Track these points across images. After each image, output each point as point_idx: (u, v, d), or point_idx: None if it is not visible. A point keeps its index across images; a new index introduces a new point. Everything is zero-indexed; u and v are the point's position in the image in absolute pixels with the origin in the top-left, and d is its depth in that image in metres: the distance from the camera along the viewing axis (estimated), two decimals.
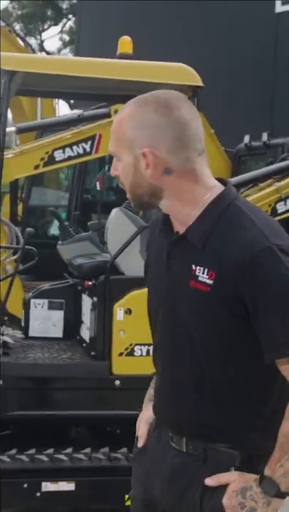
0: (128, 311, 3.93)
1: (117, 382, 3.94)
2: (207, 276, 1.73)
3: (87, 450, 3.86)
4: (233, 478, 1.77)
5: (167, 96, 1.80)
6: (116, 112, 7.31)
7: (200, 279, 1.74)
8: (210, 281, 1.73)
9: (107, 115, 7.31)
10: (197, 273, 1.75)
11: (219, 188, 1.82)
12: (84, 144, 6.99)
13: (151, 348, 3.90)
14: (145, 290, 4.08)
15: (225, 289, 1.71)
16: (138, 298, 3.93)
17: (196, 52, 11.59)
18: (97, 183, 5.33)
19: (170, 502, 1.90)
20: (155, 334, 1.95)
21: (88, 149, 7.09)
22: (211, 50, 13.09)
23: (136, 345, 3.94)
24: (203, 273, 1.74)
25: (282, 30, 12.68)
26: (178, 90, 4.22)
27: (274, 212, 5.42)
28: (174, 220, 1.84)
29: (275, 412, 1.76)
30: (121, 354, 3.95)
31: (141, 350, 3.95)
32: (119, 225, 4.12)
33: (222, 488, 1.77)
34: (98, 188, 5.24)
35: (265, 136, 7.52)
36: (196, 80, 4.01)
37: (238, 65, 12.62)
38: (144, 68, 4.04)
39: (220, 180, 1.86)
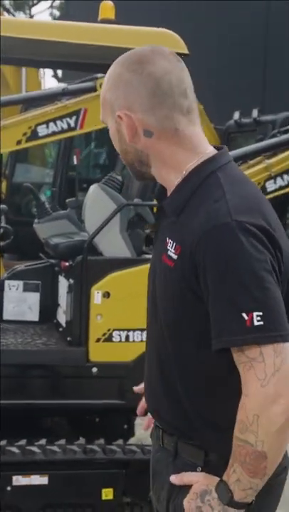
0: (106, 294, 3.70)
1: (94, 370, 3.72)
2: (174, 251, 1.61)
3: (62, 442, 3.63)
4: (196, 479, 1.65)
5: (142, 51, 1.67)
6: (102, 85, 7.06)
7: (169, 253, 1.63)
8: (175, 256, 1.60)
9: (93, 89, 7.04)
10: (168, 247, 1.63)
11: (209, 154, 1.67)
12: (68, 119, 6.75)
13: (130, 333, 3.76)
14: (125, 272, 3.86)
15: (185, 265, 1.58)
16: (117, 280, 3.72)
17: (187, 27, 11.30)
18: (74, 157, 5.07)
19: (156, 502, 1.82)
20: (147, 313, 1.84)
21: (73, 124, 6.85)
22: (203, 26, 12.79)
23: (114, 330, 3.72)
24: (172, 247, 1.62)
25: (273, 6, 12.42)
26: None
27: (263, 190, 5.20)
28: (167, 189, 1.71)
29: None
30: (98, 340, 3.73)
31: (120, 335, 3.72)
32: (97, 202, 3.87)
33: (187, 488, 1.66)
34: (75, 162, 4.98)
35: (255, 113, 7.31)
36: (181, 47, 3.73)
37: (229, 42, 12.34)
38: (122, 33, 3.75)
39: (218, 148, 1.71)
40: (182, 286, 1.59)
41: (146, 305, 1.80)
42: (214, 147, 1.71)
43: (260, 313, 1.49)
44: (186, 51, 3.73)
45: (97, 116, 7.10)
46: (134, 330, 3.71)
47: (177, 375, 1.67)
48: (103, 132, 8.78)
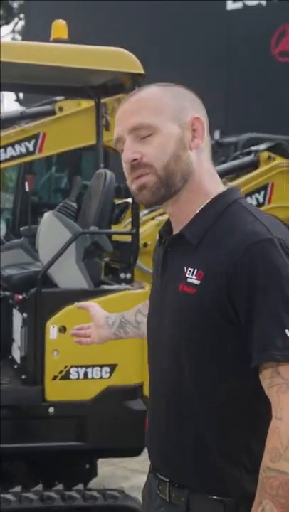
0: (62, 329, 3.48)
1: (51, 410, 3.48)
2: (195, 277, 1.55)
3: (17, 489, 3.38)
4: None
5: None
6: (60, 109, 6.89)
7: (188, 281, 1.56)
8: (197, 282, 1.54)
9: (52, 112, 6.87)
10: (187, 275, 1.57)
11: (225, 188, 1.69)
12: (27, 143, 6.59)
13: (89, 370, 3.53)
14: None
15: (214, 286, 1.51)
16: (73, 313, 3.46)
17: (148, 48, 11.23)
18: (26, 184, 4.84)
19: None
20: (147, 355, 1.75)
21: (31, 148, 6.68)
22: (164, 47, 12.74)
23: (72, 367, 3.50)
24: (192, 274, 1.56)
25: (234, 28, 12.43)
26: (116, 78, 3.81)
27: None
28: (175, 223, 1.66)
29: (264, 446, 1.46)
30: (55, 378, 3.50)
31: (77, 372, 3.50)
32: (51, 230, 3.65)
33: None
34: (27, 188, 4.74)
35: (217, 135, 7.21)
36: (137, 67, 3.56)
37: (191, 63, 12.29)
38: (76, 53, 3.57)
39: None
40: (208, 310, 1.52)
41: (149, 342, 1.72)
42: None
43: None
44: (141, 71, 3.57)
45: (56, 139, 6.91)
46: (92, 366, 3.49)
47: (199, 408, 1.55)
48: (64, 156, 8.61)
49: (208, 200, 1.61)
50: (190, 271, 1.56)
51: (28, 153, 6.54)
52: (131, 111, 1.60)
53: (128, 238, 3.78)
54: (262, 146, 5.75)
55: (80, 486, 3.49)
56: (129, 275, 3.72)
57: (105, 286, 3.70)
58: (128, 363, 3.55)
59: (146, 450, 3.98)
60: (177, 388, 1.58)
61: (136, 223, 3.69)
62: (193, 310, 1.54)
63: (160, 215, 5.23)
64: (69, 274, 3.58)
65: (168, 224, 1.70)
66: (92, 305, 2.20)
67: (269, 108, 11.03)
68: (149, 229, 5.01)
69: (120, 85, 3.92)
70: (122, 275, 3.72)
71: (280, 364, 1.44)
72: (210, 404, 1.54)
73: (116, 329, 2.13)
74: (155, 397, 1.67)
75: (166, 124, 1.58)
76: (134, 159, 1.57)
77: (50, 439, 3.50)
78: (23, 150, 6.51)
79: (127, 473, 4.66)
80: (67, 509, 3.33)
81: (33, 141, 6.57)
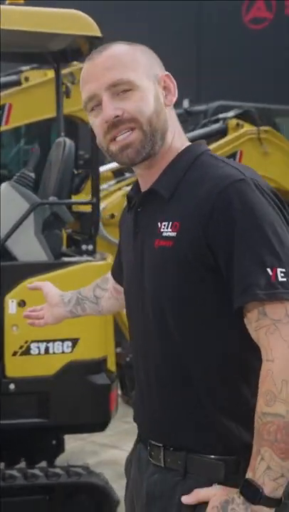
0: (22, 303, 3.36)
1: (12, 387, 3.38)
2: (170, 230, 1.53)
3: None
4: (212, 493, 1.47)
5: None
6: (26, 79, 6.72)
7: (164, 235, 1.54)
8: (173, 234, 1.51)
9: (17, 83, 6.69)
10: (162, 229, 1.55)
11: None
12: None
13: (50, 345, 3.43)
14: (41, 277, 3.52)
15: (190, 236, 1.48)
16: None
17: (116, 17, 11.01)
18: None
19: None
20: (128, 324, 1.71)
21: None
22: (133, 12, 12.51)
23: (32, 342, 3.39)
24: (167, 227, 1.53)
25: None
26: (72, 41, 3.65)
27: None
28: (145, 183, 1.64)
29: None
30: (15, 353, 3.39)
31: (38, 348, 3.39)
32: (8, 201, 3.52)
33: (202, 505, 1.48)
34: None
35: (186, 103, 7.08)
36: (93, 30, 3.43)
37: (159, 31, 12.09)
38: (32, 16, 3.41)
39: None
40: (186, 263, 1.49)
41: (128, 309, 1.69)
42: None
43: (283, 270, 1.42)
44: (99, 34, 3.43)
45: (23, 110, 6.68)
46: (54, 341, 3.39)
47: (189, 366, 1.52)
48: (32, 128, 8.44)
49: (174, 154, 1.60)
50: (164, 225, 1.53)
51: None
52: (106, 67, 1.53)
53: (89, 208, 3.67)
54: (230, 114, 5.65)
55: (44, 463, 3.42)
56: (90, 246, 3.62)
57: (66, 259, 3.59)
58: (90, 336, 3.45)
59: (112, 425, 3.90)
60: (166, 349, 1.55)
61: (96, 193, 3.57)
62: (171, 264, 1.51)
63: (127, 185, 5.12)
64: (28, 247, 3.47)
65: (136, 186, 1.68)
66: (45, 284, 2.14)
67: (240, 76, 10.90)
68: (115, 199, 4.90)
69: (79, 50, 3.78)
70: (84, 246, 3.62)
71: (266, 304, 1.40)
72: (200, 361, 1.51)
73: (72, 307, 2.07)
74: (143, 366, 1.62)
75: (143, 80, 1.56)
76: (116, 116, 1.53)
77: (11, 416, 3.40)
78: None
79: (95, 448, 4.59)
80: (30, 487, 3.26)
81: None
